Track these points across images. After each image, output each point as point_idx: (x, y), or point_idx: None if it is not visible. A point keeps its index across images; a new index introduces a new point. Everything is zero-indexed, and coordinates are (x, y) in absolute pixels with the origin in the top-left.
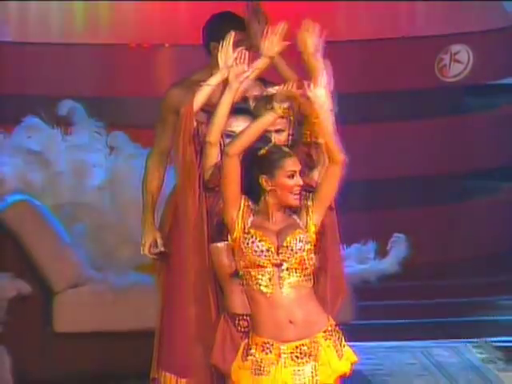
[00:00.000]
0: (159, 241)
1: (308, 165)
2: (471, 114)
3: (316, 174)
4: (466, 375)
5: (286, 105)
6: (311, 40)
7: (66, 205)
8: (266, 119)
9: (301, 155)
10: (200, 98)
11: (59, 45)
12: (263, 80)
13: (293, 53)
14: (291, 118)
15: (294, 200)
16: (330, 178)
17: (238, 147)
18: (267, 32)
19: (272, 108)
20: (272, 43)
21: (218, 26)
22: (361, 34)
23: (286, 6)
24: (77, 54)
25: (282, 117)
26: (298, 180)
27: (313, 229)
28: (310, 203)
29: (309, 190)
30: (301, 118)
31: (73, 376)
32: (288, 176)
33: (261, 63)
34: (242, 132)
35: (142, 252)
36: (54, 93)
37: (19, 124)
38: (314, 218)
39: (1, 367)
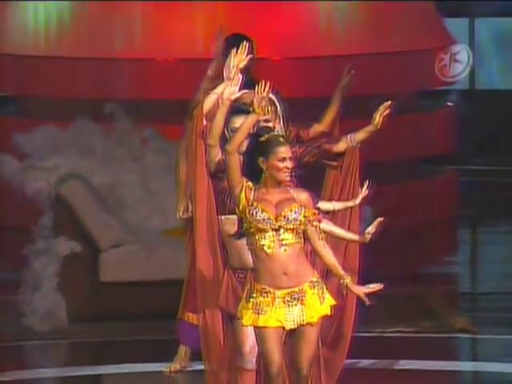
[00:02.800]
0: (190, 207)
1: None
2: (423, 113)
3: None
4: (416, 316)
5: (263, 104)
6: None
7: (108, 184)
8: (251, 119)
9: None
10: (208, 103)
11: (104, 59)
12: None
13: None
14: (277, 111)
15: (283, 177)
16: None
17: (235, 144)
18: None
19: (253, 110)
20: (239, 59)
21: (227, 45)
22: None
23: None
24: (118, 66)
25: (264, 113)
26: (287, 163)
27: (305, 203)
28: (316, 224)
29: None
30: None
31: (113, 315)
32: (279, 160)
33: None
34: (236, 132)
35: (177, 216)
36: (99, 96)
37: (72, 121)
38: (301, 196)
39: (58, 309)
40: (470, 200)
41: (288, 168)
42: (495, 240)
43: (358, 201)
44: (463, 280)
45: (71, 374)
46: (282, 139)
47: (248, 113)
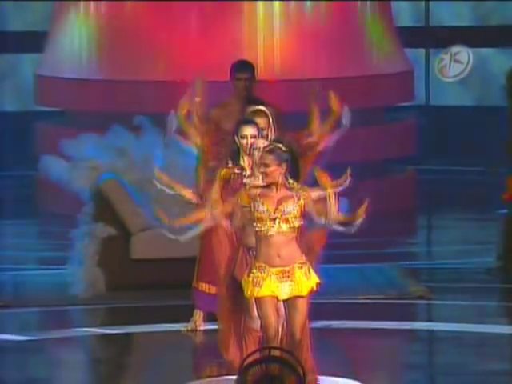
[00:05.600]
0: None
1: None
2: (389, 124)
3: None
4: (383, 286)
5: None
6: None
7: (138, 180)
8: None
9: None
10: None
11: (134, 81)
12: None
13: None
14: (269, 122)
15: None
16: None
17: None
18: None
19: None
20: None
21: (234, 70)
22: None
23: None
24: (144, 86)
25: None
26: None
27: (302, 203)
28: (296, 185)
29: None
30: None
31: (142, 286)
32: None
33: None
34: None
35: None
36: (131, 110)
37: (109, 129)
38: (303, 195)
39: (97, 280)
40: (426, 193)
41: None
42: (447, 225)
43: (338, 189)
44: (421, 257)
45: (108, 333)
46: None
47: (255, 124)
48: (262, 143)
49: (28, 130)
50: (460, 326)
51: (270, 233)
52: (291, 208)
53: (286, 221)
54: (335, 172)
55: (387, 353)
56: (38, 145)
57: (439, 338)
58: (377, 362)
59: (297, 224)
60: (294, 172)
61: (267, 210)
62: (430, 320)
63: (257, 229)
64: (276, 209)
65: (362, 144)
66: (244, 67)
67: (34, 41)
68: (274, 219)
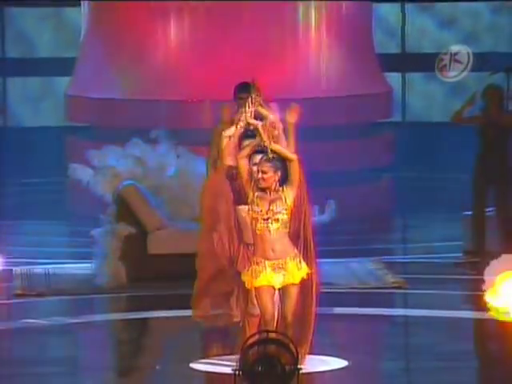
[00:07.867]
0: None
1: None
2: (369, 137)
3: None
4: (365, 277)
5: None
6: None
7: (154, 185)
8: (256, 142)
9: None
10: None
11: (151, 100)
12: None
13: None
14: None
15: (256, 180)
16: (291, 171)
17: (243, 154)
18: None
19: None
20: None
21: (236, 92)
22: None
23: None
24: (159, 105)
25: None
26: (257, 167)
27: (289, 202)
28: (284, 188)
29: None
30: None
31: (157, 277)
32: (253, 164)
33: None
34: (245, 148)
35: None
36: (147, 125)
37: (128, 141)
38: (288, 196)
39: (119, 273)
40: (401, 197)
41: (258, 172)
42: (420, 225)
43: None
44: (397, 252)
45: (129, 318)
46: (260, 149)
47: (253, 137)
48: None
49: (60, 142)
50: (432, 312)
51: (264, 231)
52: (280, 208)
53: (277, 220)
54: (325, 179)
55: (369, 335)
56: (68, 155)
57: (414, 323)
58: (359, 343)
59: (286, 221)
60: (284, 178)
61: (261, 210)
62: (405, 307)
63: (253, 227)
64: (268, 210)
65: (346, 155)
66: (245, 88)
67: (66, 65)
68: (267, 219)
